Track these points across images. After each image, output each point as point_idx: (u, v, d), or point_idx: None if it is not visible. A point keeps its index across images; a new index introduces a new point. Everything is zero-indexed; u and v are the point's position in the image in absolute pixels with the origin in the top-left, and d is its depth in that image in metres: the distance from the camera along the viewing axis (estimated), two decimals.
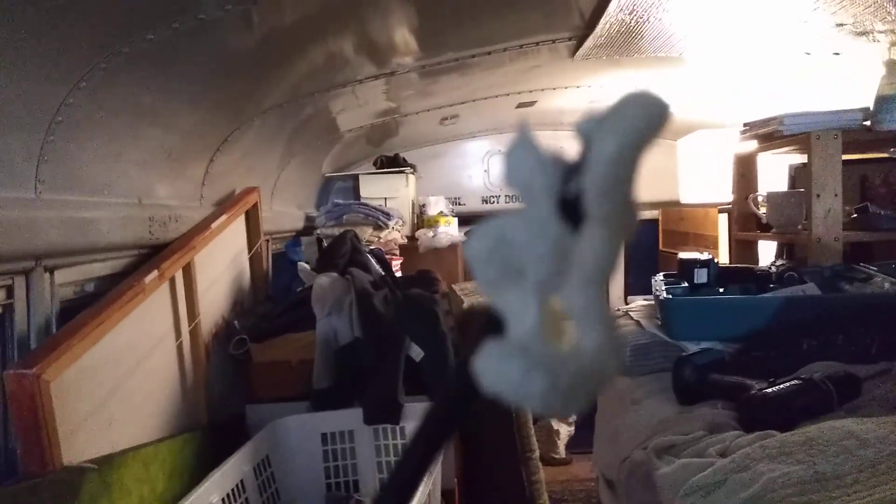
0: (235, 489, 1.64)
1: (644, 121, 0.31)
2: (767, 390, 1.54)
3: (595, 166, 0.29)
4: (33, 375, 1.30)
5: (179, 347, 2.00)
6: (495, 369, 0.29)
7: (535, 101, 3.78)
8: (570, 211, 0.30)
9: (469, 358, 0.30)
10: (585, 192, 0.29)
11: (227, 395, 2.24)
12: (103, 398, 1.57)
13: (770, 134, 2.74)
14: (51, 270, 1.56)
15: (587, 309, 0.29)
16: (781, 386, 1.54)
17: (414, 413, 1.93)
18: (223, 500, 1.57)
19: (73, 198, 1.57)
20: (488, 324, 0.31)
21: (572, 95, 3.65)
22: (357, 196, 4.12)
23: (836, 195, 2.52)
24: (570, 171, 0.30)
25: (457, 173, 4.79)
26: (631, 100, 0.31)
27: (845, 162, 2.54)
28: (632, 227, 0.30)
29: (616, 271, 0.31)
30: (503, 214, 0.31)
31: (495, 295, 0.31)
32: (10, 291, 1.47)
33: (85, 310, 1.57)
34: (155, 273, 1.80)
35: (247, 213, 2.67)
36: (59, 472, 1.32)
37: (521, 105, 3.82)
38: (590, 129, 0.31)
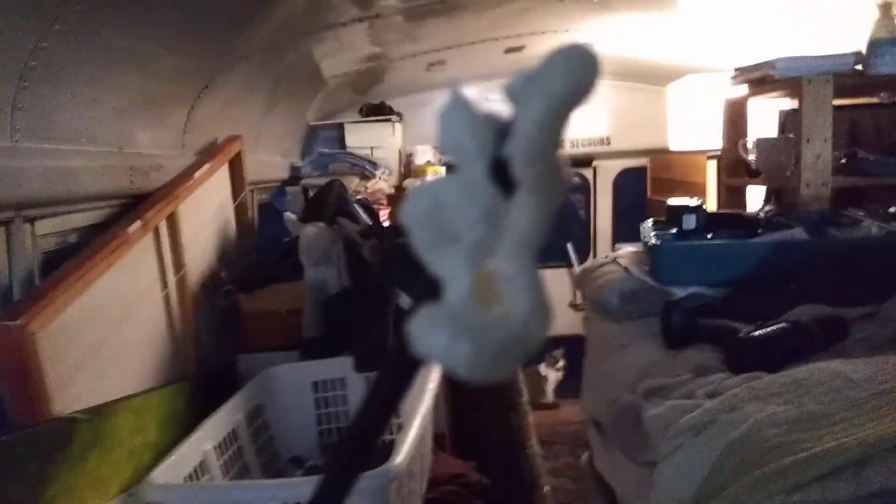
0: (228, 437, 1.65)
1: (571, 81, 0.29)
2: (755, 333, 1.55)
3: (521, 131, 0.28)
4: (18, 327, 1.28)
5: (166, 298, 1.99)
6: (426, 335, 0.29)
7: (524, 47, 3.71)
8: (502, 175, 0.29)
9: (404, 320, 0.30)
10: (513, 158, 0.28)
11: (216, 345, 2.23)
12: (91, 350, 1.56)
13: (761, 78, 2.71)
14: (31, 221, 1.53)
15: (517, 275, 0.29)
16: (769, 329, 1.55)
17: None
18: (216, 448, 1.58)
19: (50, 146, 1.52)
20: (423, 286, 0.31)
21: (561, 39, 3.57)
22: (343, 145, 4.06)
23: (825, 140, 2.51)
24: (504, 134, 0.29)
25: None
26: (558, 57, 0.29)
27: (835, 107, 2.52)
28: (561, 192, 0.30)
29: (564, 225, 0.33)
30: (438, 177, 0.32)
31: (432, 259, 0.30)
32: None
33: (68, 261, 1.54)
34: (138, 223, 1.78)
35: (230, 163, 2.62)
36: (50, 421, 1.32)
37: (509, 50, 3.74)
38: (517, 89, 0.29)
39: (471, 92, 0.31)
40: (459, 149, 0.30)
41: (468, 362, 0.28)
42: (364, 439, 0.46)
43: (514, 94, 0.29)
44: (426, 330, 0.29)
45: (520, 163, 0.28)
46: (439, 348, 0.29)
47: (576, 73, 0.29)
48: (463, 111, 0.30)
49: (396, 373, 0.40)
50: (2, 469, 1.17)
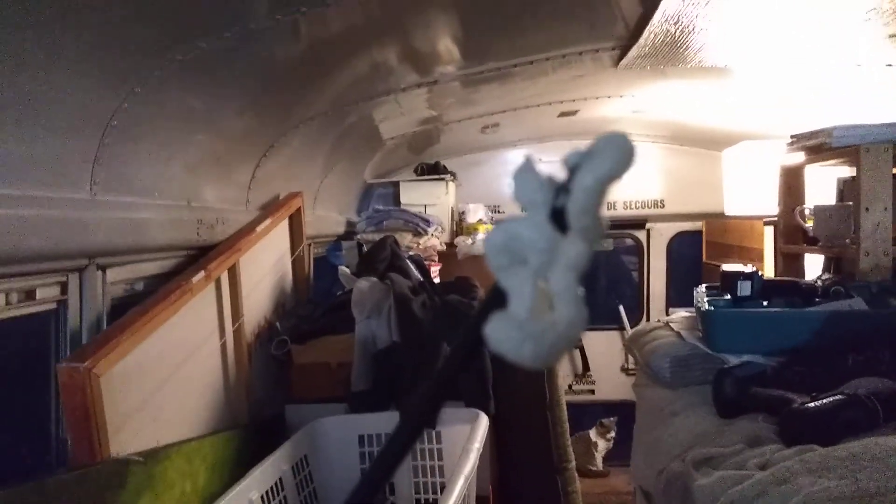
0: (274, 487, 1.67)
1: (615, 163, 0.40)
2: (810, 404, 1.51)
3: (576, 194, 0.40)
4: (85, 369, 1.35)
5: (223, 347, 2.05)
6: (501, 337, 0.41)
7: (578, 111, 3.77)
8: (559, 219, 0.41)
9: (480, 321, 0.42)
10: (568, 211, 0.40)
11: (268, 394, 2.28)
12: (150, 393, 1.62)
13: (818, 146, 2.68)
14: (103, 269, 1.63)
15: (564, 290, 0.40)
16: (825, 400, 1.51)
17: (450, 418, 1.94)
18: (262, 497, 1.60)
19: (125, 199, 1.63)
20: (495, 296, 0.42)
21: (615, 104, 3.63)
22: (397, 202, 4.16)
23: (885, 209, 2.46)
24: (560, 190, 0.41)
25: (497, 181, 4.79)
26: (606, 144, 0.40)
27: (895, 175, 2.48)
28: (599, 236, 0.41)
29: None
30: (512, 218, 0.42)
31: (503, 276, 0.42)
32: (64, 288, 1.53)
33: (134, 307, 1.62)
34: (202, 273, 1.86)
35: (290, 218, 2.72)
36: (107, 463, 1.37)
37: (563, 114, 3.81)
38: (573, 161, 0.41)
39: (535, 159, 0.44)
40: (529, 199, 0.42)
41: (531, 357, 0.40)
42: (374, 482, 0.55)
43: (569, 165, 0.42)
44: (501, 333, 0.41)
45: (573, 215, 0.40)
46: (511, 348, 0.40)
47: (618, 157, 0.40)
48: (532, 173, 0.43)
49: (463, 356, 0.50)
50: None
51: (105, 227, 1.55)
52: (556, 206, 0.41)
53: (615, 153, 0.40)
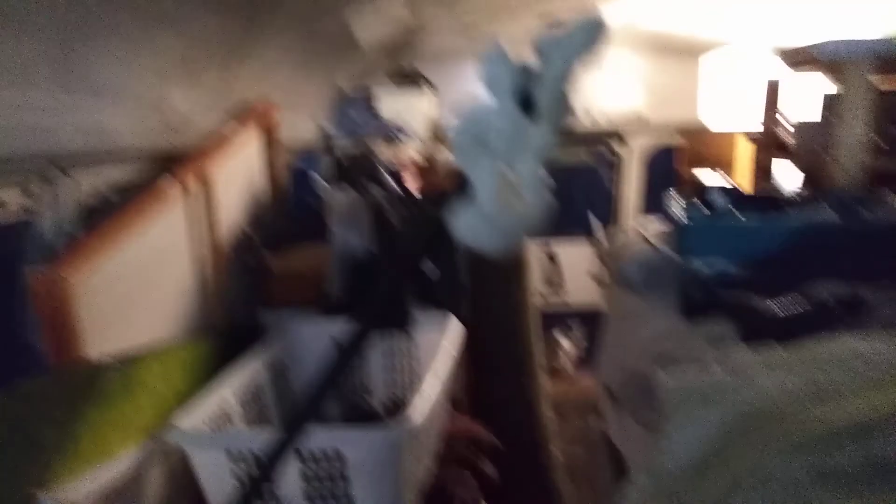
0: (250, 387, 1.71)
1: (585, 48, 0.40)
2: (773, 307, 1.55)
3: (546, 80, 0.40)
4: (58, 276, 1.34)
5: (198, 255, 2.05)
6: (468, 228, 0.43)
7: (560, 17, 3.67)
8: (525, 103, 0.41)
9: (443, 211, 0.44)
10: (537, 96, 0.40)
11: (244, 303, 2.29)
12: (124, 300, 1.62)
13: (804, 60, 2.66)
14: (70, 175, 1.59)
15: (529, 176, 0.41)
16: (786, 303, 1.55)
17: (424, 322, 1.97)
18: (238, 397, 1.64)
19: (90, 101, 1.57)
20: (459, 186, 0.43)
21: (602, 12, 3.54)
22: (373, 111, 4.08)
23: (864, 123, 2.47)
24: (528, 75, 0.41)
25: (477, 91, 4.70)
26: (577, 28, 0.40)
27: (878, 92, 2.47)
28: (565, 121, 0.41)
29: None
30: (480, 104, 0.42)
31: (466, 162, 0.42)
32: (31, 194, 1.50)
33: (107, 215, 1.60)
34: (173, 181, 1.83)
35: (263, 126, 2.66)
36: (82, 365, 1.38)
37: (545, 19, 3.70)
38: (544, 46, 0.41)
39: (501, 47, 0.43)
40: (497, 84, 0.42)
41: (497, 246, 0.41)
42: (317, 396, 0.59)
43: (540, 49, 0.41)
44: (468, 225, 0.42)
45: (542, 100, 0.40)
46: (477, 239, 0.42)
47: (589, 42, 0.40)
48: (501, 57, 0.42)
49: (429, 241, 0.55)
50: (33, 407, 1.24)
51: (71, 131, 1.50)
52: (524, 90, 0.40)
53: (583, 38, 0.40)
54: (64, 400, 1.29)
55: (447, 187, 0.47)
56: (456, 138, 0.43)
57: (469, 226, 0.41)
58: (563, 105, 0.40)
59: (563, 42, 0.39)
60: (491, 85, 0.42)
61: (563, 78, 0.39)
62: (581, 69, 0.40)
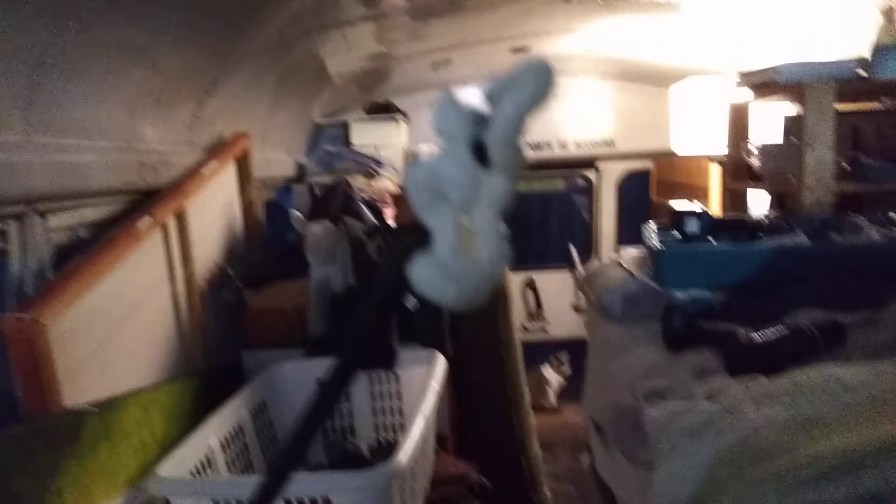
0: (233, 432, 1.67)
1: (534, 91, 0.38)
2: (754, 336, 1.57)
3: (495, 125, 0.38)
4: (31, 320, 1.31)
5: (174, 294, 2.01)
6: (423, 278, 0.40)
7: (529, 47, 3.72)
8: (481, 153, 0.39)
9: (402, 261, 0.42)
10: (488, 144, 0.38)
11: (222, 341, 2.25)
12: (101, 342, 1.58)
13: (765, 83, 2.72)
14: (43, 215, 1.55)
15: (487, 228, 0.39)
16: (768, 332, 1.57)
17: (407, 359, 1.96)
18: (221, 443, 1.60)
19: (62, 140, 1.55)
20: (417, 236, 0.41)
21: (567, 41, 3.60)
22: (348, 143, 4.07)
23: (828, 146, 2.53)
24: (481, 122, 0.39)
25: None
26: (525, 71, 0.38)
27: (838, 113, 2.54)
28: (520, 169, 0.39)
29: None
30: (433, 154, 0.40)
31: (425, 214, 0.41)
32: (3, 235, 1.46)
33: (80, 255, 1.56)
34: (148, 218, 1.80)
35: (237, 160, 2.64)
36: (60, 414, 1.34)
37: (514, 50, 3.76)
38: (493, 91, 0.40)
39: (463, 91, 0.41)
40: (450, 133, 0.40)
41: (454, 299, 0.40)
42: (301, 440, 0.56)
43: (490, 95, 0.39)
44: (424, 275, 0.40)
45: (494, 147, 0.38)
46: (433, 290, 0.40)
47: (539, 85, 0.38)
48: (453, 105, 0.40)
49: (389, 296, 0.50)
50: (12, 459, 1.19)
51: (42, 170, 1.47)
52: (477, 139, 0.39)
53: (535, 80, 0.38)
54: (43, 450, 1.25)
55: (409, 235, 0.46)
56: (411, 188, 0.41)
57: (426, 276, 0.40)
58: (516, 152, 0.39)
59: (511, 88, 0.38)
60: (444, 133, 0.40)
61: (513, 124, 0.38)
62: (531, 115, 0.39)
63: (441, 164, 0.40)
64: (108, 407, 1.45)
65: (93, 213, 1.78)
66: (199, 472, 1.46)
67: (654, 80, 4.52)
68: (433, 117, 0.40)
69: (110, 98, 1.73)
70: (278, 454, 0.56)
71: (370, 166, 3.71)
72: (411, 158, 4.28)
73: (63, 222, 1.66)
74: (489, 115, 0.38)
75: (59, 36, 1.38)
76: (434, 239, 0.40)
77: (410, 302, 2.02)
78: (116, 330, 1.67)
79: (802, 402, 1.23)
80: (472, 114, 0.39)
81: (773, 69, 2.59)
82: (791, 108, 3.14)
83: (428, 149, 4.20)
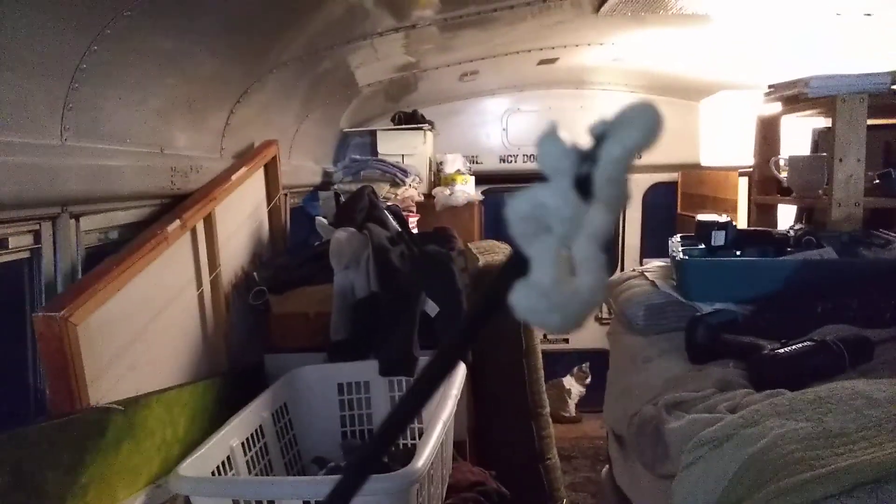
0: (254, 434, 1.69)
1: (643, 134, 0.40)
2: (779, 350, 1.55)
3: (603, 164, 0.40)
4: (61, 318, 1.34)
5: (200, 296, 2.04)
6: (527, 306, 0.41)
7: (557, 59, 3.73)
8: (583, 187, 0.41)
9: (501, 286, 0.43)
10: (594, 180, 0.40)
11: (246, 344, 2.29)
12: (128, 342, 1.62)
13: (795, 96, 2.69)
14: (76, 217, 1.60)
15: (588, 259, 0.41)
16: (793, 347, 1.55)
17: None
18: (242, 444, 1.62)
19: (97, 145, 1.59)
20: (516, 263, 0.43)
21: (595, 53, 3.60)
22: (374, 152, 4.11)
23: (858, 160, 2.49)
24: (584, 158, 0.41)
25: (475, 131, 4.75)
26: (634, 113, 0.40)
27: (870, 127, 2.50)
28: (623, 205, 0.42)
29: (611, 234, 0.43)
30: (537, 186, 0.42)
31: (526, 244, 0.42)
32: (37, 236, 1.51)
33: (110, 256, 1.60)
34: (177, 222, 1.83)
35: (266, 167, 2.69)
36: (87, 411, 1.37)
37: (542, 62, 3.77)
38: (599, 130, 0.41)
39: (559, 128, 0.43)
40: (554, 169, 0.42)
41: (558, 325, 0.41)
42: (384, 440, 0.56)
43: (595, 133, 0.41)
44: (527, 302, 0.41)
45: (599, 184, 0.40)
46: (537, 317, 0.41)
47: (646, 127, 0.40)
48: (556, 140, 0.42)
49: (427, 378, 0.51)
50: (39, 454, 1.22)
51: (77, 174, 1.51)
52: (581, 174, 0.41)
53: (644, 123, 0.40)
54: (69, 446, 1.28)
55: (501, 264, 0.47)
56: (513, 219, 0.43)
57: (532, 307, 0.41)
58: (620, 189, 0.41)
59: (619, 129, 0.40)
60: (548, 168, 0.42)
61: (620, 164, 0.40)
62: (637, 153, 0.41)
63: (546, 197, 0.42)
64: (133, 405, 1.48)
65: (123, 215, 1.82)
66: (219, 472, 1.48)
67: (684, 93, 4.50)
68: (537, 152, 0.42)
69: (145, 105, 1.78)
70: (357, 452, 0.57)
71: (396, 175, 3.74)
72: (437, 167, 4.30)
73: (95, 224, 1.70)
74: (593, 152, 0.41)
75: (97, 44, 1.42)
76: (534, 268, 0.42)
77: (430, 307, 2.03)
78: (143, 330, 1.70)
79: (826, 417, 1.22)
80: (576, 151, 0.41)
81: (804, 82, 2.56)
82: (820, 122, 3.10)
83: (454, 158, 4.22)
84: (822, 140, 3.23)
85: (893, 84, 2.46)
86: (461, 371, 1.83)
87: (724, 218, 2.48)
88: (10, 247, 1.44)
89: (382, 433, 0.56)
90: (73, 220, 1.59)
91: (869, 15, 2.50)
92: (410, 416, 0.55)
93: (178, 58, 1.79)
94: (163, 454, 1.56)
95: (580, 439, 4.12)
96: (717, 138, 4.15)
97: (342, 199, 2.99)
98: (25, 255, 1.50)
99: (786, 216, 3.29)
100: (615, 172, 0.40)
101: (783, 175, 2.98)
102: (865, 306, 1.84)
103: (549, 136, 0.43)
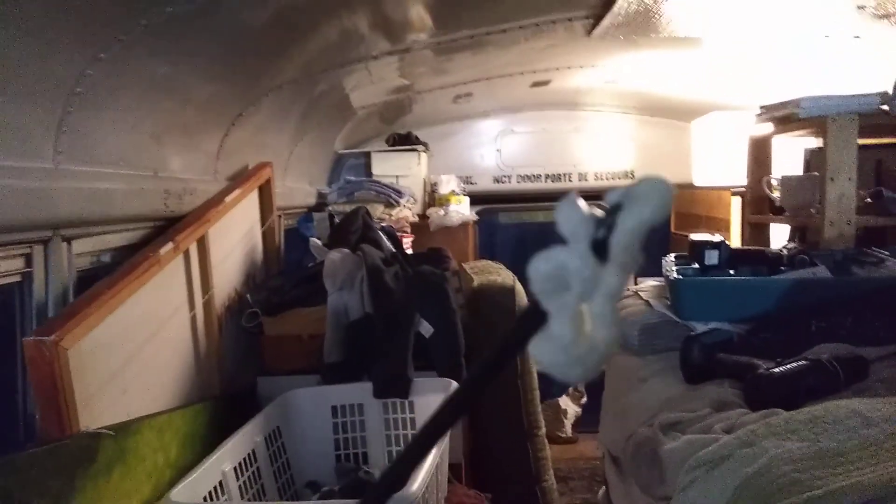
0: (247, 458, 1.67)
1: (656, 209, 0.44)
2: (774, 370, 1.55)
3: (619, 233, 0.44)
4: (52, 342, 1.33)
5: (193, 319, 2.03)
6: (548, 359, 0.46)
7: (550, 81, 3.76)
8: (598, 250, 0.45)
9: (520, 337, 0.47)
10: (610, 246, 0.44)
11: (239, 367, 2.27)
12: (119, 366, 1.61)
13: (786, 117, 2.72)
14: (68, 240, 1.59)
15: (605, 315, 0.45)
16: (788, 366, 1.55)
17: (422, 388, 1.96)
18: (235, 468, 1.60)
19: (90, 169, 1.59)
20: (536, 316, 0.46)
21: (588, 75, 3.63)
22: (369, 173, 4.12)
23: (850, 179, 2.51)
24: (600, 224, 0.45)
25: (469, 152, 4.77)
26: (648, 188, 0.45)
27: (861, 146, 2.52)
28: (637, 267, 0.46)
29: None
30: (557, 248, 0.46)
31: (546, 300, 0.46)
32: (28, 260, 1.50)
33: (102, 280, 1.59)
34: (170, 245, 1.83)
35: (260, 188, 2.69)
36: (77, 436, 1.35)
37: (535, 84, 3.80)
38: (614, 200, 0.46)
39: (576, 199, 0.48)
40: (574, 234, 0.46)
41: (577, 376, 0.46)
42: (408, 462, 0.58)
43: (612, 204, 0.46)
44: (548, 355, 0.46)
45: (615, 250, 0.44)
46: (558, 369, 0.46)
47: (658, 204, 0.45)
48: (575, 207, 0.46)
49: (456, 402, 0.55)
50: (29, 481, 1.21)
51: (69, 197, 1.51)
52: (597, 238, 0.45)
53: (656, 199, 0.45)
54: (60, 472, 1.26)
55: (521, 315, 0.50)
56: (536, 277, 0.47)
57: (553, 360, 0.46)
58: (633, 255, 0.46)
59: (633, 203, 0.45)
60: (568, 232, 0.47)
61: (634, 234, 0.45)
62: (651, 224, 0.45)
63: (566, 259, 0.46)
64: (124, 430, 1.46)
65: (116, 238, 1.81)
66: (211, 498, 1.46)
67: (677, 114, 4.53)
68: (557, 218, 0.47)
69: (139, 128, 1.78)
70: (388, 469, 0.59)
71: (391, 196, 3.74)
72: (431, 188, 4.32)
73: (87, 247, 1.69)
74: (608, 219, 0.45)
75: (92, 67, 1.43)
76: (554, 322, 0.45)
77: (424, 328, 2.03)
78: (135, 354, 1.69)
79: (822, 437, 1.21)
80: (593, 218, 0.46)
81: (795, 103, 2.59)
82: (812, 142, 3.13)
83: (448, 180, 4.23)
84: (814, 160, 3.26)
85: (883, 104, 2.48)
86: None
87: (717, 237, 2.48)
88: (0, 270, 1.43)
89: (391, 474, 0.57)
90: (64, 244, 1.58)
91: (857, 37, 2.53)
92: (418, 462, 0.57)
93: (173, 82, 1.80)
94: (154, 480, 1.54)
95: (576, 460, 4.09)
96: (710, 158, 4.17)
97: (336, 220, 2.99)
98: (16, 278, 1.49)
99: (779, 235, 3.30)
100: (629, 241, 0.45)
101: (776, 194, 2.99)
102: (859, 324, 1.84)
103: (570, 204, 0.47)
